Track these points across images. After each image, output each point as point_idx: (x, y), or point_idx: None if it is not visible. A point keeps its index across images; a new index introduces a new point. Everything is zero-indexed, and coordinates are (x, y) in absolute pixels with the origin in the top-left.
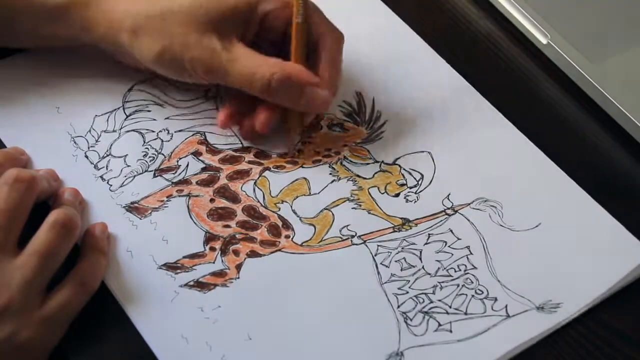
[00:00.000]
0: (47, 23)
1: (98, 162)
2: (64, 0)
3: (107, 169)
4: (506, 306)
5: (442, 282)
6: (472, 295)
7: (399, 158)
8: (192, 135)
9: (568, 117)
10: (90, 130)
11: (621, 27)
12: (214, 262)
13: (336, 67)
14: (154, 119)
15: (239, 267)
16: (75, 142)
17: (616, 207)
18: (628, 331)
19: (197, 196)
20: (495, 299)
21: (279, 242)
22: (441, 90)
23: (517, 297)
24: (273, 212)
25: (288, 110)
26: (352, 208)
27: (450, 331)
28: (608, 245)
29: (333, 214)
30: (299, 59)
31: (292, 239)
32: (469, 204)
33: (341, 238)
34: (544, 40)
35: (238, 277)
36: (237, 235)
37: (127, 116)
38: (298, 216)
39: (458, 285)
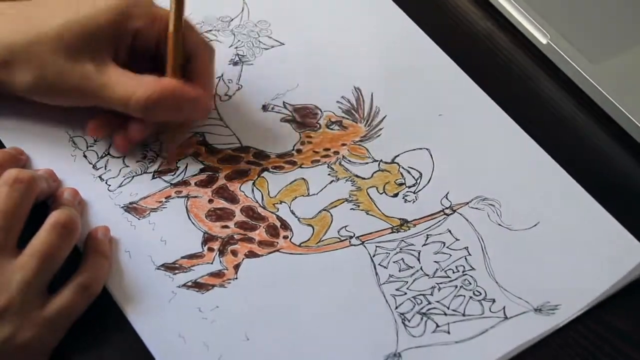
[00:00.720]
0: None
1: (97, 162)
2: None
3: (105, 169)
4: (504, 308)
5: (440, 283)
6: (470, 297)
7: (397, 156)
8: (191, 136)
9: (568, 117)
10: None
11: (621, 27)
12: (212, 263)
13: (210, 79)
14: None
15: (237, 267)
16: (74, 142)
17: (615, 207)
18: (628, 331)
19: (195, 197)
20: (493, 301)
21: (277, 242)
22: (441, 85)
23: (515, 299)
24: (271, 212)
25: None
26: (351, 209)
27: (448, 332)
28: (607, 245)
29: (331, 215)
30: (174, 71)
31: (290, 239)
32: (468, 203)
33: (339, 239)
34: (544, 40)
35: (236, 278)
36: (235, 236)
37: None
38: (296, 217)
39: (456, 287)
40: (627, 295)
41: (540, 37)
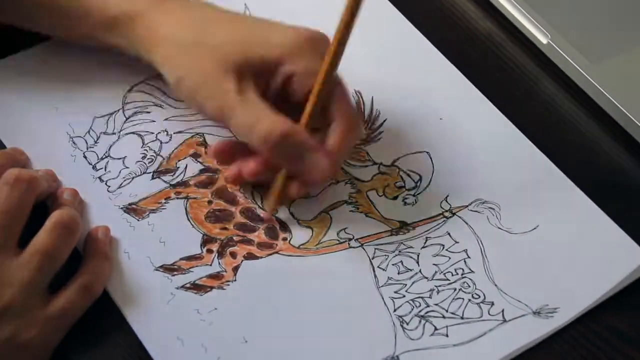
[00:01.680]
0: (102, 31)
1: (96, 163)
2: (116, 13)
3: (105, 170)
4: (503, 311)
5: (439, 286)
6: (469, 300)
7: (397, 159)
8: (192, 136)
9: (568, 117)
10: (89, 131)
11: (621, 27)
12: (210, 265)
13: (341, 148)
14: (153, 121)
15: (235, 269)
16: (74, 143)
17: (615, 207)
18: (628, 331)
19: (195, 198)
20: (492, 304)
21: (276, 244)
22: (442, 88)
23: (514, 302)
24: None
25: (275, 178)
26: (350, 211)
27: (447, 335)
28: (606, 248)
29: (331, 217)
30: (308, 123)
31: (289, 241)
32: (467, 206)
33: (338, 241)
34: (544, 40)
35: (235, 280)
36: (234, 238)
37: (127, 118)
38: (295, 218)
39: (455, 290)
40: (627, 296)
41: (540, 37)
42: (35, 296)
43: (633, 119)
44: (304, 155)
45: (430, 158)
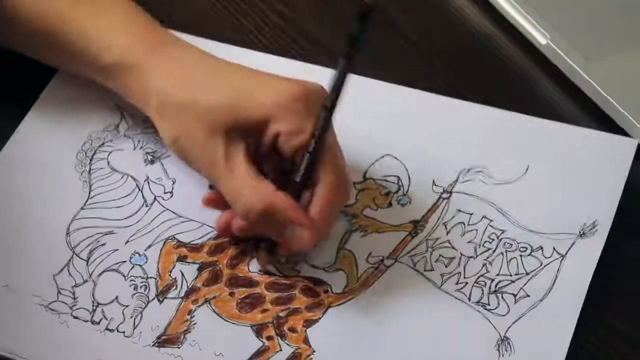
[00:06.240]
0: (100, 77)
1: (92, 317)
2: (109, 62)
3: (106, 318)
4: (554, 248)
5: (487, 258)
6: (520, 255)
7: (366, 172)
8: (164, 243)
9: (567, 117)
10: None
11: (621, 27)
12: (281, 350)
13: (330, 214)
14: (116, 249)
15: (306, 341)
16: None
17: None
18: (628, 331)
19: (215, 297)
20: (541, 248)
21: (323, 300)
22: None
23: (558, 236)
24: (295, 276)
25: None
26: (362, 236)
27: (528, 295)
28: (599, 154)
29: (350, 250)
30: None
31: (331, 291)
32: (457, 180)
33: (373, 267)
34: (543, 41)
35: (314, 351)
36: (280, 314)
37: (88, 260)
38: (320, 268)
39: (502, 254)
40: (627, 296)
41: (539, 38)
42: None
43: (632, 119)
44: (285, 228)
45: (395, 157)
